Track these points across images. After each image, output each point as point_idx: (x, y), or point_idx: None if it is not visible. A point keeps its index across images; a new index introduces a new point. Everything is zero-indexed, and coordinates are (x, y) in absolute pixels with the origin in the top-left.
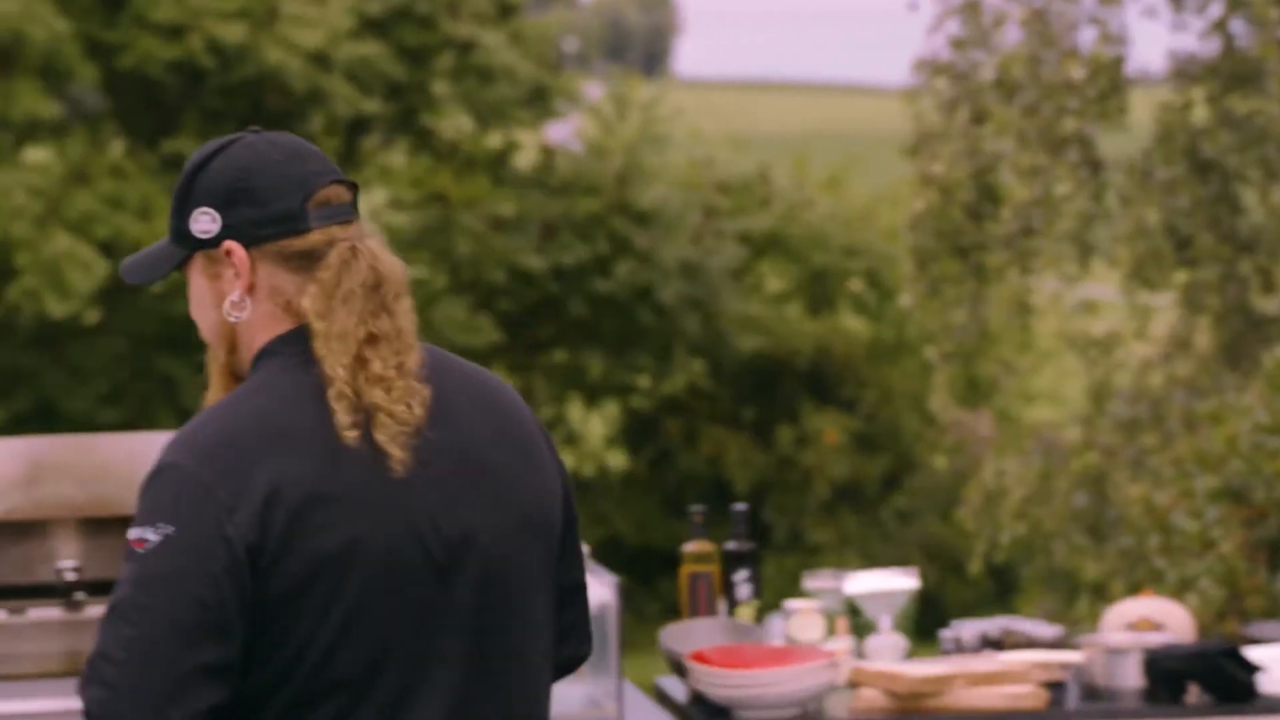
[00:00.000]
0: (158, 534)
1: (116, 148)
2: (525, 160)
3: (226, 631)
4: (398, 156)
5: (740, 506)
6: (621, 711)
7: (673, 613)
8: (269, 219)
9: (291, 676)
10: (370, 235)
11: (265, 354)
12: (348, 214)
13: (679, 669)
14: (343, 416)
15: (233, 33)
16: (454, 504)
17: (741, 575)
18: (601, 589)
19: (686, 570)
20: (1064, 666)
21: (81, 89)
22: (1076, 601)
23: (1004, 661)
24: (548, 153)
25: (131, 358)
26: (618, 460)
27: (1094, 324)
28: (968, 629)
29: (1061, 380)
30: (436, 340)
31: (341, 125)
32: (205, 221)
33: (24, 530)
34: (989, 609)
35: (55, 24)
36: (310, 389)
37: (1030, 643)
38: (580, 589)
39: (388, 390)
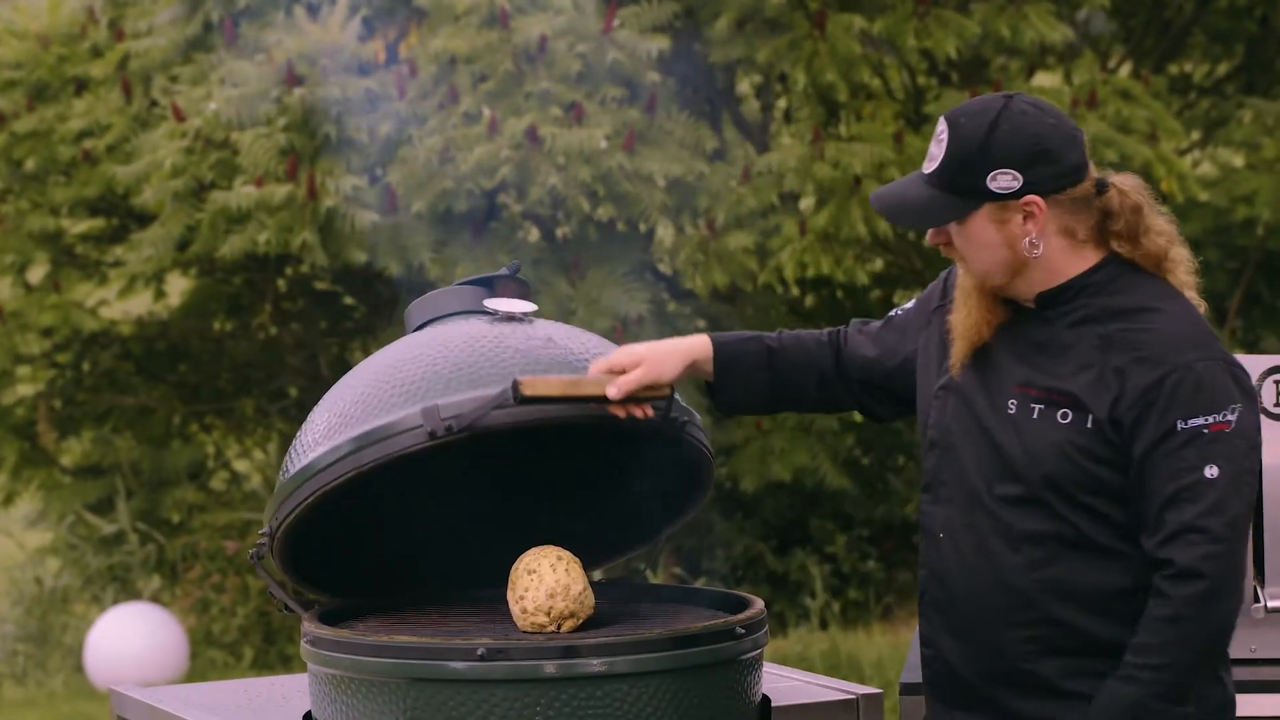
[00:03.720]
0: (1233, 414)
1: (1123, 71)
2: None
3: None
4: None
5: None
6: None
7: None
8: (1063, 173)
9: None
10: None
11: (1095, 272)
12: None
13: None
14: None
15: None
16: None
17: None
18: None
19: None
20: None
21: (1090, 13)
22: None
23: None
24: None
25: None
26: None
27: None
28: None
29: None
30: None
31: None
32: (1007, 180)
33: None
34: None
35: None
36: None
37: None
38: None
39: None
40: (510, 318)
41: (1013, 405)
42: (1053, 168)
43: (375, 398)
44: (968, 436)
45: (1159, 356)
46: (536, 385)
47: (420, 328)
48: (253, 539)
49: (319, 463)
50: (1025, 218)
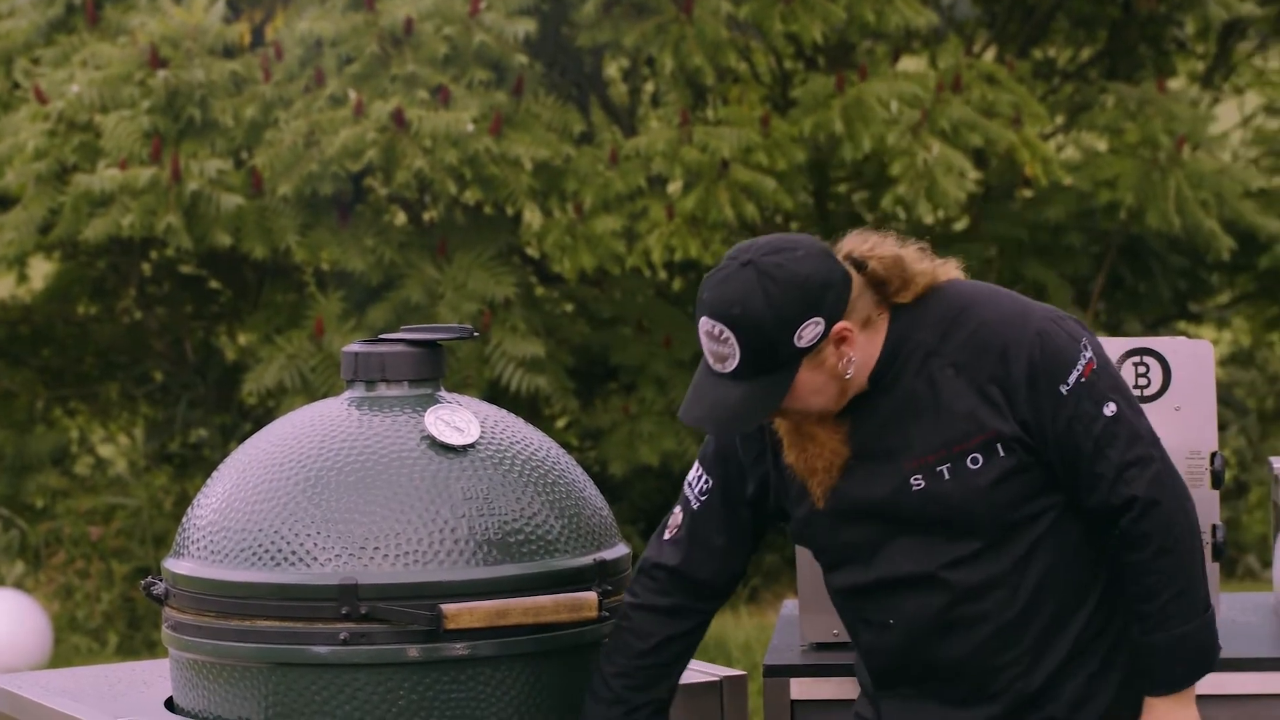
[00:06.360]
0: (1089, 350)
1: (988, 56)
2: None
3: None
4: (1274, 61)
5: None
6: None
7: None
8: (843, 286)
9: None
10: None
11: (893, 329)
12: None
13: None
14: None
15: None
16: None
17: None
18: None
19: None
20: None
21: None
22: None
23: None
24: None
25: (1000, 263)
26: None
27: None
28: None
29: None
30: None
31: (1215, 29)
32: (813, 328)
33: None
34: None
35: None
36: (955, 287)
37: None
38: None
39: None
40: (447, 448)
41: (919, 481)
42: (834, 290)
43: (293, 515)
44: (867, 543)
45: (1006, 343)
46: (460, 617)
47: (351, 382)
48: (116, 524)
49: (228, 585)
50: (838, 344)
